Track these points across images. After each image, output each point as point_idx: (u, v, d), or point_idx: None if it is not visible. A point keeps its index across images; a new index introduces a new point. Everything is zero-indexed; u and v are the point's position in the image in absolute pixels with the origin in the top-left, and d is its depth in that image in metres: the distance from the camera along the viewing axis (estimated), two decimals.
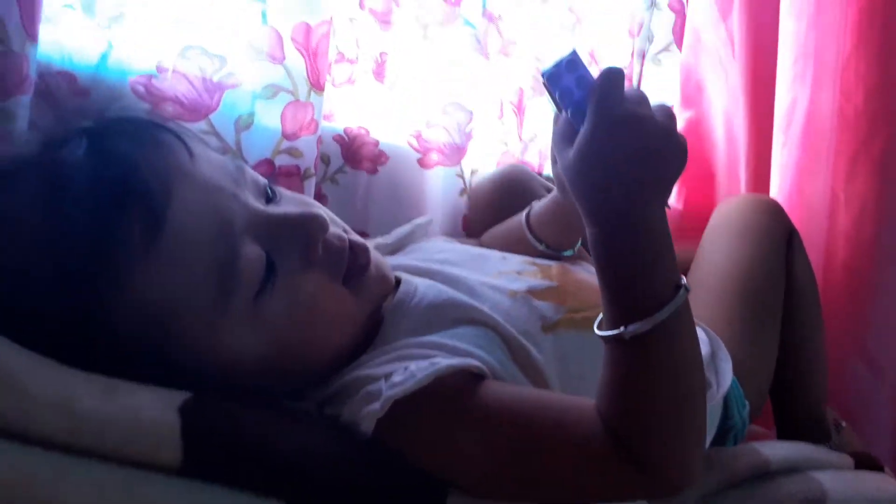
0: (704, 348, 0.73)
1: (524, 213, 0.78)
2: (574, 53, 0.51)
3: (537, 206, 0.78)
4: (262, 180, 0.55)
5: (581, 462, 0.49)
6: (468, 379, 0.51)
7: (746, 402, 0.78)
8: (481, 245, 0.82)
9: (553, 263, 0.72)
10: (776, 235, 0.91)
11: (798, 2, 1.17)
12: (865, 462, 0.81)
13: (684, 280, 0.49)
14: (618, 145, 0.46)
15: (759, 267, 0.86)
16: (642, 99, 0.48)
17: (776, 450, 0.74)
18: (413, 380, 0.48)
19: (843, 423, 0.89)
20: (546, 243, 0.76)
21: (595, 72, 0.49)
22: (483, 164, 0.99)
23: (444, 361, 0.50)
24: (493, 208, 0.89)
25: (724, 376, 0.71)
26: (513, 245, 0.77)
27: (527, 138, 1.05)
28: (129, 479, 0.42)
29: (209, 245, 0.48)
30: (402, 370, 0.50)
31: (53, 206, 0.45)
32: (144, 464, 0.43)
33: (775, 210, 0.95)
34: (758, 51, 1.18)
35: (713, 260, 0.90)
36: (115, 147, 0.47)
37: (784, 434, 0.88)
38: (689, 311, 0.50)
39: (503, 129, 1.00)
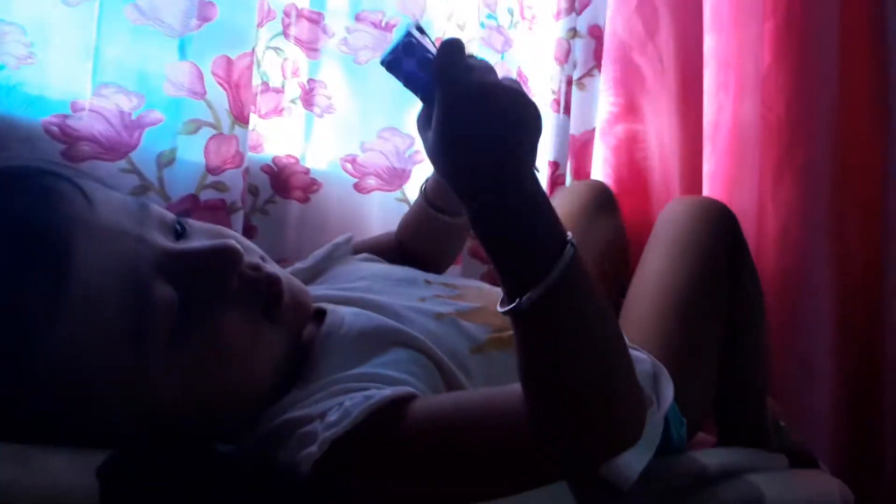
0: (645, 367, 0.73)
1: (421, 188, 0.79)
2: (407, 35, 0.47)
3: (430, 178, 0.78)
4: (170, 215, 0.52)
5: (513, 447, 0.47)
6: (401, 404, 0.50)
7: (684, 420, 0.79)
8: (402, 246, 0.82)
9: (476, 285, 0.72)
10: (716, 244, 0.87)
11: (718, 17, 1.21)
12: (801, 460, 0.83)
13: (570, 235, 0.47)
14: (471, 118, 0.45)
15: (695, 285, 0.84)
16: (487, 67, 0.46)
17: (713, 457, 0.75)
18: (349, 418, 0.47)
19: (782, 423, 0.91)
20: (446, 211, 0.77)
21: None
22: None
23: (377, 394, 0.49)
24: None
25: (665, 399, 0.71)
26: (421, 224, 0.80)
27: None
28: None
29: (117, 296, 0.45)
30: (337, 407, 0.49)
31: None
32: None
33: (716, 215, 0.90)
34: (686, 65, 1.22)
35: (650, 276, 0.89)
36: (5, 204, 0.44)
37: (725, 438, 0.89)
38: (583, 267, 0.47)
39: None
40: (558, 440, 0.46)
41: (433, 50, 0.48)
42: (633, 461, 0.64)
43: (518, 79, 1.10)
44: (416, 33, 0.48)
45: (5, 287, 0.42)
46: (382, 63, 0.48)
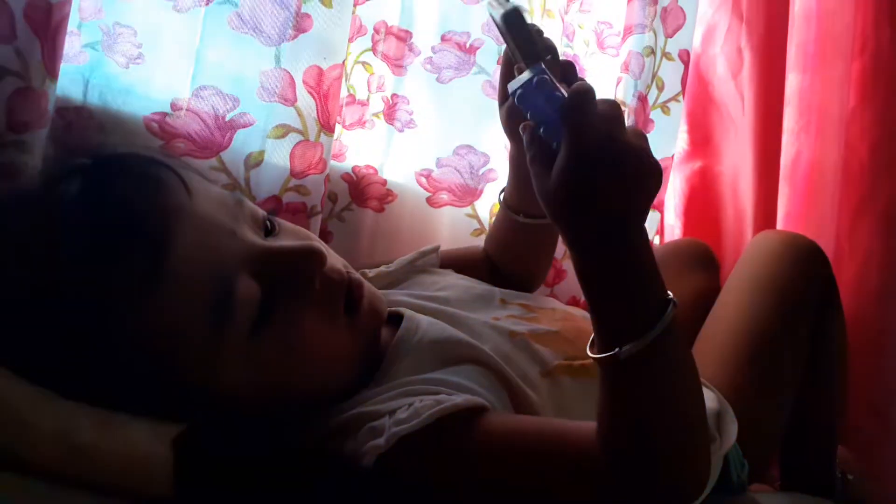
0: (711, 404, 0.72)
1: (500, 196, 0.78)
2: (541, 71, 0.49)
3: (507, 185, 0.77)
4: (261, 212, 0.55)
5: (580, 485, 0.49)
6: (470, 415, 0.52)
7: (745, 462, 0.77)
8: (489, 258, 0.82)
9: (551, 306, 0.73)
10: (807, 288, 0.83)
11: (804, 57, 1.19)
12: None
13: (671, 294, 0.49)
14: (599, 178, 0.46)
15: (779, 326, 0.80)
16: (616, 116, 0.47)
17: (775, 501, 0.73)
18: (419, 418, 0.49)
19: (850, 476, 0.88)
20: (527, 213, 0.75)
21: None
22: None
23: (448, 400, 0.50)
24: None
25: (728, 436, 0.71)
26: (506, 231, 0.79)
27: None
28: None
29: (205, 285, 0.47)
30: (407, 407, 0.50)
31: (46, 244, 0.46)
32: (136, 495, 0.43)
33: (811, 258, 0.86)
34: (767, 106, 1.19)
35: (728, 312, 0.85)
36: (113, 187, 0.47)
37: (788, 484, 0.86)
38: (680, 326, 0.49)
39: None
40: (631, 484, 0.48)
41: (562, 90, 0.49)
42: None
43: None
44: (548, 73, 0.49)
45: (107, 259, 0.45)
46: (512, 94, 0.50)
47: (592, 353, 0.49)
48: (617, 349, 0.47)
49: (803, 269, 0.85)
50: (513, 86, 0.50)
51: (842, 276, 1.13)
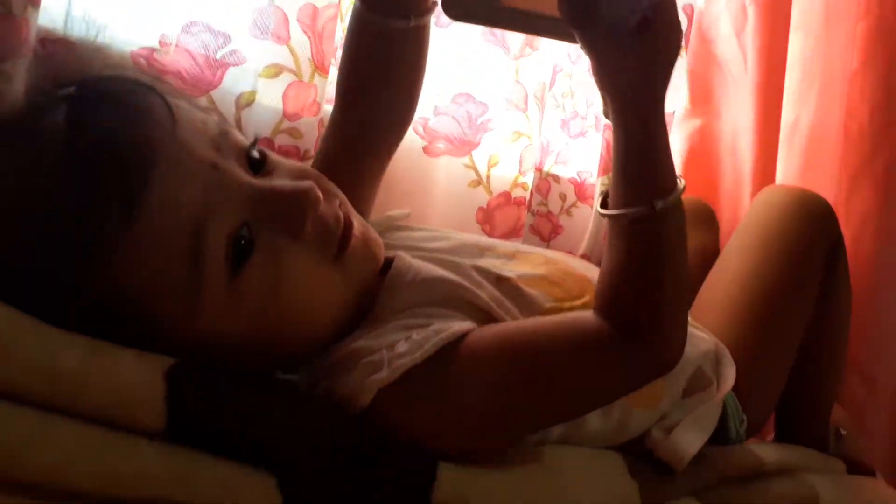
0: (707, 346, 0.72)
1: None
2: None
3: None
4: (250, 144, 0.52)
5: (587, 358, 0.53)
6: (462, 338, 0.52)
7: (744, 417, 0.76)
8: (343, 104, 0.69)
9: (538, 251, 0.71)
10: (815, 246, 0.82)
11: (807, 18, 1.17)
12: (858, 469, 0.80)
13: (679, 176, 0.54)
14: (667, 40, 0.50)
15: (785, 284, 0.79)
16: None
17: (770, 451, 0.73)
18: (420, 350, 0.48)
19: (843, 432, 0.88)
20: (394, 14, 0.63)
21: None
22: (502, 159, 0.97)
23: (446, 328, 0.49)
24: None
25: (725, 380, 0.70)
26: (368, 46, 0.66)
27: (550, 133, 1.03)
28: (110, 440, 0.41)
29: (181, 221, 0.46)
30: (405, 340, 0.49)
31: (30, 173, 0.44)
32: (126, 427, 0.42)
33: (821, 214, 0.84)
34: (769, 66, 1.18)
35: (733, 267, 0.83)
36: (95, 115, 0.45)
37: (783, 437, 0.86)
38: (681, 203, 0.54)
39: (528, 124, 0.98)
40: (634, 344, 0.52)
41: None
42: (689, 441, 0.63)
43: None
44: None
45: (87, 192, 0.43)
46: None
47: (610, 209, 0.53)
48: (654, 201, 0.51)
49: (813, 227, 0.82)
50: None
51: None
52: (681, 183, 0.53)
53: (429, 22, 0.67)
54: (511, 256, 0.68)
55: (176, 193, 0.45)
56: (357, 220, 0.56)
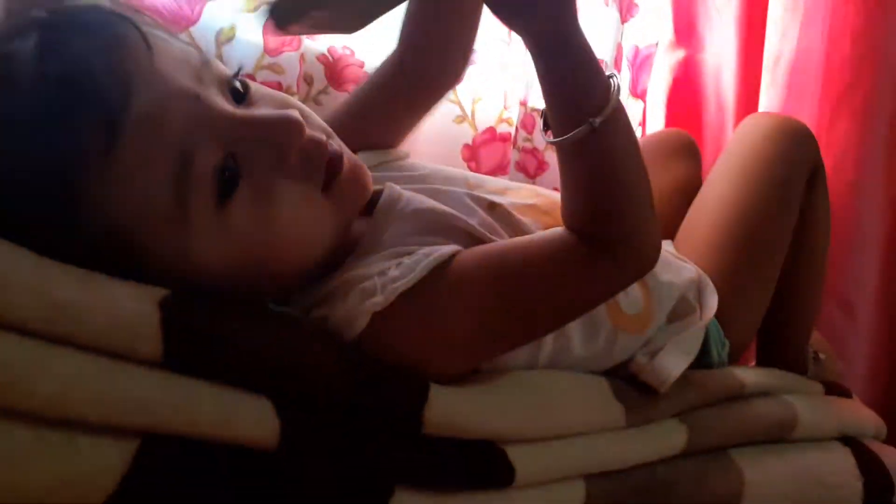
0: (689, 274, 0.73)
1: None
2: None
3: None
4: (229, 73, 0.51)
5: (563, 268, 0.54)
6: (450, 259, 0.53)
7: (726, 342, 0.78)
8: (401, 57, 0.74)
9: (521, 185, 0.72)
10: (795, 172, 0.83)
11: None
12: (835, 390, 0.83)
13: (613, 72, 0.55)
14: None
15: (766, 210, 0.80)
16: None
17: (751, 374, 0.75)
18: (413, 273, 0.49)
19: (822, 356, 0.91)
20: None
21: None
22: (486, 93, 0.96)
23: (438, 250, 0.50)
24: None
25: (708, 308, 0.72)
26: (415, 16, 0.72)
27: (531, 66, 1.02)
28: (108, 369, 0.41)
29: (163, 153, 0.45)
30: (397, 265, 0.50)
31: (2, 105, 0.43)
32: (124, 356, 0.42)
33: (801, 140, 0.85)
34: None
35: (716, 194, 0.84)
36: (69, 43, 0.44)
37: (763, 361, 0.89)
38: (624, 111, 0.55)
39: (512, 58, 0.97)
40: (605, 252, 0.54)
41: None
42: (672, 364, 0.65)
43: None
44: None
45: (61, 123, 0.43)
46: None
47: (559, 138, 0.53)
48: (591, 120, 0.51)
49: (793, 153, 0.83)
50: None
51: None
52: (615, 83, 0.53)
53: None
54: (502, 190, 0.68)
55: (158, 121, 0.45)
56: (347, 151, 0.56)
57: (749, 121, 0.90)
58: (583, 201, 0.55)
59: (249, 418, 0.44)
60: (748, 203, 0.80)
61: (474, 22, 0.73)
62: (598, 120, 0.51)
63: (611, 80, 0.53)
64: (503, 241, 0.58)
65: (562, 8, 0.51)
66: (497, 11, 0.52)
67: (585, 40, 0.52)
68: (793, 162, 0.83)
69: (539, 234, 0.58)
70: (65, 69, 0.43)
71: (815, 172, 0.85)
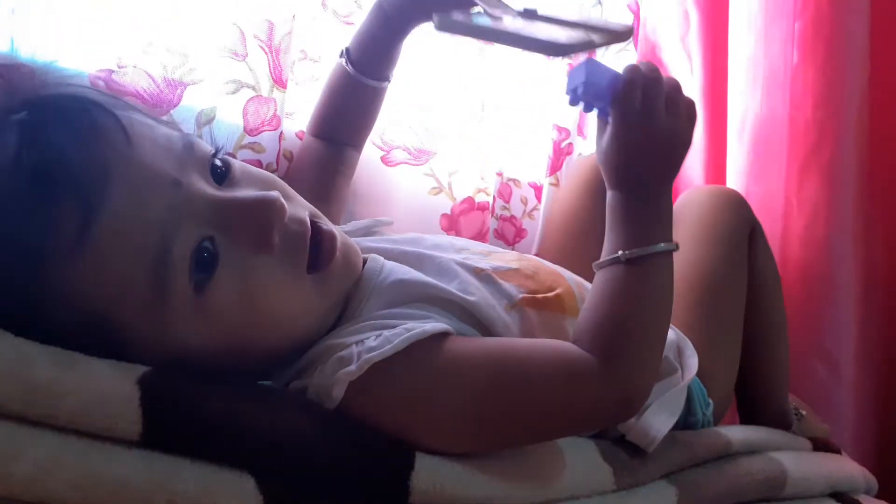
0: (671, 335, 0.74)
1: (341, 55, 0.79)
2: (590, 61, 0.60)
3: (352, 41, 0.78)
4: (211, 152, 0.51)
5: (572, 383, 0.55)
6: (439, 340, 0.52)
7: (710, 401, 0.79)
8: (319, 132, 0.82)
9: (504, 250, 0.74)
10: (738, 232, 0.91)
11: (748, 16, 1.22)
12: (823, 446, 0.83)
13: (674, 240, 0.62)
14: (637, 141, 0.60)
15: (720, 268, 0.87)
16: (655, 97, 0.59)
17: (737, 432, 0.75)
18: (390, 345, 0.48)
19: (804, 412, 0.91)
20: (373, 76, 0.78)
21: None
22: (461, 166, 0.99)
23: (418, 327, 0.50)
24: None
25: (689, 369, 0.73)
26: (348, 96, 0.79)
27: (506, 140, 1.05)
28: (87, 449, 0.41)
29: (140, 241, 0.45)
30: (376, 336, 0.50)
31: None
32: (103, 436, 0.42)
33: (737, 204, 0.94)
34: (715, 66, 1.23)
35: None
36: (47, 132, 0.45)
37: (746, 420, 0.89)
38: (672, 267, 0.62)
39: (484, 131, 1.00)
40: (614, 376, 0.55)
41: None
42: (658, 423, 0.65)
43: None
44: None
45: (39, 214, 0.43)
46: (570, 92, 0.61)
47: (614, 255, 0.60)
48: (651, 245, 0.59)
49: (734, 216, 0.92)
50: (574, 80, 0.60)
51: (791, 229, 1.17)
52: (668, 243, 0.61)
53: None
54: (486, 254, 0.69)
55: (135, 209, 0.45)
56: (338, 231, 0.56)
57: (684, 196, 0.99)
58: (609, 316, 0.58)
59: (230, 495, 0.43)
60: (706, 264, 0.86)
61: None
62: (665, 246, 0.60)
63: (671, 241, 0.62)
64: (504, 339, 0.59)
65: (675, 169, 0.61)
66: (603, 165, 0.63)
67: (662, 201, 0.62)
68: (734, 224, 0.91)
69: (545, 341, 0.59)
70: (42, 158, 0.44)
71: (754, 230, 0.93)
